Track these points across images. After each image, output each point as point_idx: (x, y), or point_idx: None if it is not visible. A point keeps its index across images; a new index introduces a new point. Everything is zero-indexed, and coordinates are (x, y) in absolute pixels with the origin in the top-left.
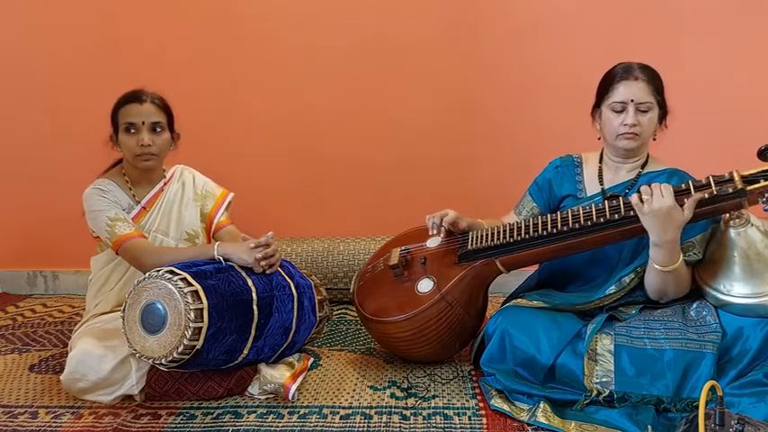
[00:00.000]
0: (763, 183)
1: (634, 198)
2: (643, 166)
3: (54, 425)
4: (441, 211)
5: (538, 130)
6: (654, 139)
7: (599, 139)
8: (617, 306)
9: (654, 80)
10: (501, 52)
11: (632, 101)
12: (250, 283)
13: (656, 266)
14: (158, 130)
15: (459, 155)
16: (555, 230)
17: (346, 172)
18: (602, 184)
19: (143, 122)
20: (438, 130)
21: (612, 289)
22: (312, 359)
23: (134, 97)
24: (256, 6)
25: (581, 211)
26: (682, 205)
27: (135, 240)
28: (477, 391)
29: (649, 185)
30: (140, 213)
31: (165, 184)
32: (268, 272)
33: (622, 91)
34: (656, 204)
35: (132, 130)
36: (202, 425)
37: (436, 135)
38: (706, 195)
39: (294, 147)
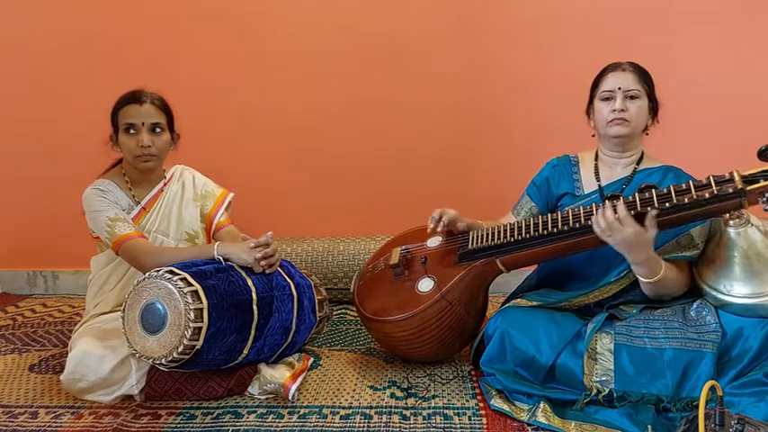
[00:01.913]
0: (763, 183)
1: (596, 228)
2: (638, 163)
3: (54, 425)
4: (441, 209)
5: (538, 129)
6: (647, 134)
7: (593, 136)
8: (617, 305)
9: (642, 72)
10: (502, 51)
11: (620, 88)
12: (250, 283)
13: (642, 279)
14: (158, 130)
15: (459, 154)
16: (555, 230)
17: (346, 172)
18: (598, 181)
19: (143, 123)
20: (438, 129)
21: (614, 277)
22: (312, 359)
23: (134, 98)
24: (256, 6)
25: (581, 211)
26: (643, 223)
27: (135, 240)
28: (477, 391)
29: (601, 216)
30: (140, 214)
31: (164, 184)
32: (268, 271)
33: (610, 80)
34: (618, 236)
35: (132, 131)
36: (202, 425)
37: (436, 134)
38: (707, 195)
39: (294, 146)
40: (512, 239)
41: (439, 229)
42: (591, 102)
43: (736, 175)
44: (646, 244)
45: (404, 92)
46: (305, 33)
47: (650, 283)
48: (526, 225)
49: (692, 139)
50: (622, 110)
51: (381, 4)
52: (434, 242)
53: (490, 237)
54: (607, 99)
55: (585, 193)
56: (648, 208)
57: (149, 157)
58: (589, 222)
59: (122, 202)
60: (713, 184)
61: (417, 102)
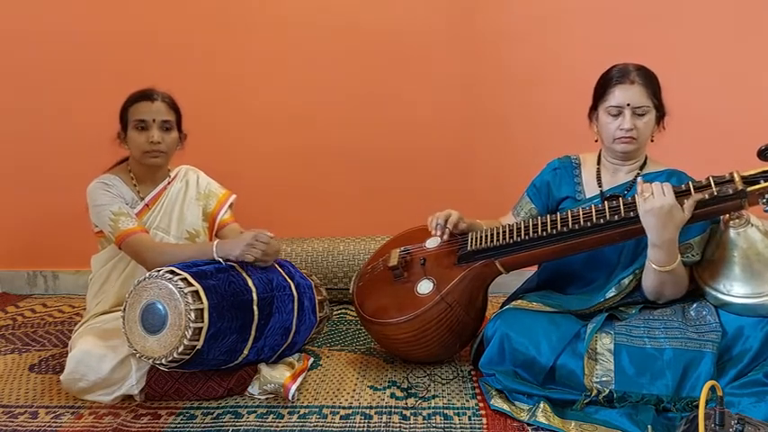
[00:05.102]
0: (763, 184)
1: (637, 190)
2: (642, 168)
3: (54, 425)
4: (444, 212)
5: (539, 128)
6: (652, 141)
7: (596, 141)
8: (617, 306)
9: (650, 83)
10: (503, 50)
11: (628, 105)
12: (250, 283)
13: (654, 266)
14: (168, 128)
15: (460, 154)
16: (555, 231)
17: (346, 172)
18: (600, 186)
19: (153, 120)
20: (439, 128)
21: (612, 292)
22: (312, 359)
23: (145, 95)
24: (258, 5)
25: (581, 212)
26: (681, 205)
27: (138, 236)
28: (477, 391)
29: (650, 183)
30: (143, 210)
31: (168, 182)
32: (262, 265)
33: (618, 95)
34: (657, 203)
35: (142, 127)
36: (202, 425)
37: (437, 134)
38: (706, 196)
39: (294, 147)
40: (511, 241)
41: (444, 237)
42: (595, 107)
43: (736, 176)
44: (677, 223)
45: (404, 92)
46: (305, 34)
47: (663, 272)
48: (525, 227)
49: (691, 140)
50: (630, 128)
51: (384, 3)
52: (433, 243)
53: (489, 238)
54: (614, 115)
55: (587, 197)
56: (691, 192)
57: (158, 153)
58: (588, 224)
59: (127, 196)
60: (713, 185)
61: (418, 101)
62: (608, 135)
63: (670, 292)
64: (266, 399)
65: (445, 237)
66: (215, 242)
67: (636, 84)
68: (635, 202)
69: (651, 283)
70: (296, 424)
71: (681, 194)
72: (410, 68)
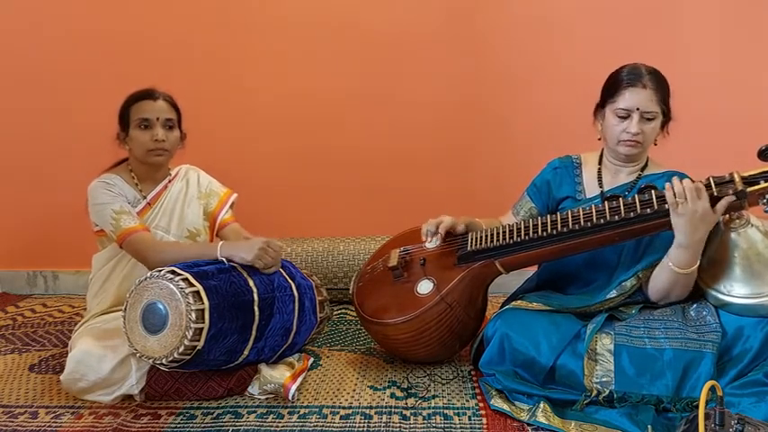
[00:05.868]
0: (763, 184)
1: (668, 195)
2: (643, 169)
3: (54, 425)
4: (436, 219)
5: (540, 128)
6: (655, 144)
7: (599, 139)
8: (617, 307)
9: (661, 88)
10: (503, 48)
11: (638, 109)
12: (251, 283)
13: (675, 268)
14: (170, 126)
15: (460, 153)
16: (555, 232)
17: (346, 172)
18: (601, 187)
19: (157, 118)
20: (439, 128)
21: (613, 293)
22: (312, 359)
23: (147, 94)
24: (257, 6)
25: (581, 213)
26: (713, 206)
27: (139, 234)
28: (477, 391)
29: (681, 185)
30: (145, 209)
31: (169, 181)
32: (267, 272)
33: (629, 98)
34: (690, 207)
35: (146, 126)
36: (202, 425)
37: (437, 134)
38: (736, 197)
39: (293, 147)
40: (510, 241)
41: (438, 241)
42: (602, 106)
43: (736, 176)
44: (708, 225)
45: (404, 91)
46: (304, 34)
47: (681, 274)
48: (525, 227)
49: (691, 140)
50: (637, 133)
51: (384, 3)
52: (433, 243)
53: (489, 238)
54: (622, 117)
55: (587, 197)
56: (727, 193)
57: (162, 151)
58: (588, 225)
59: (129, 195)
60: (713, 185)
61: (418, 101)
62: (613, 136)
63: (677, 294)
64: (266, 399)
65: (438, 241)
66: (219, 243)
67: (647, 88)
68: (635, 203)
69: (662, 285)
70: (296, 424)
71: (708, 189)
72: (410, 68)
